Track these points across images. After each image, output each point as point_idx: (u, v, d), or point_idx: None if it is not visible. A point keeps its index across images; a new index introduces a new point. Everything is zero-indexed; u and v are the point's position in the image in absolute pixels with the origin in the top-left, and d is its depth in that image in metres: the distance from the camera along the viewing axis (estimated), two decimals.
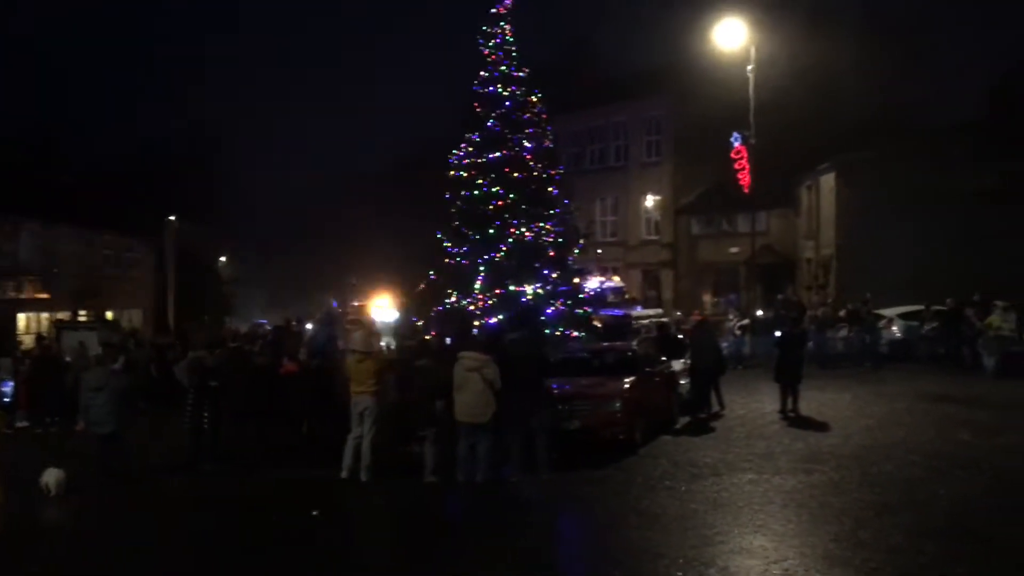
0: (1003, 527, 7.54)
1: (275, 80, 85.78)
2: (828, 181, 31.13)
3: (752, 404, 15.49)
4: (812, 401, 15.66)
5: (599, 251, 33.56)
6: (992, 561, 6.67)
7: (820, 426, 13.23)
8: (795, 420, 13.81)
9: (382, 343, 12.72)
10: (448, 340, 13.94)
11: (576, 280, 19.12)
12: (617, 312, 21.53)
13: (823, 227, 31.95)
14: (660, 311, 27.55)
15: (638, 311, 23.68)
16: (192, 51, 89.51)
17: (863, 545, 7.19)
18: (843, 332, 22.68)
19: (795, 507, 8.51)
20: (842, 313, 23.48)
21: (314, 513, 9.23)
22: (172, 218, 37.83)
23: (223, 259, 49.73)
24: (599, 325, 18.89)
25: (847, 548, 7.12)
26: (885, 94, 34.50)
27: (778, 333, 16.67)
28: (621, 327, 19.98)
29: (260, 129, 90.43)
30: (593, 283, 22.47)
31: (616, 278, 25.74)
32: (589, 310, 19.10)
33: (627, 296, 26.29)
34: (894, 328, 22.68)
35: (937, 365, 20.60)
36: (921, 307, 22.68)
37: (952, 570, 6.48)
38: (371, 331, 11.78)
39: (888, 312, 23.18)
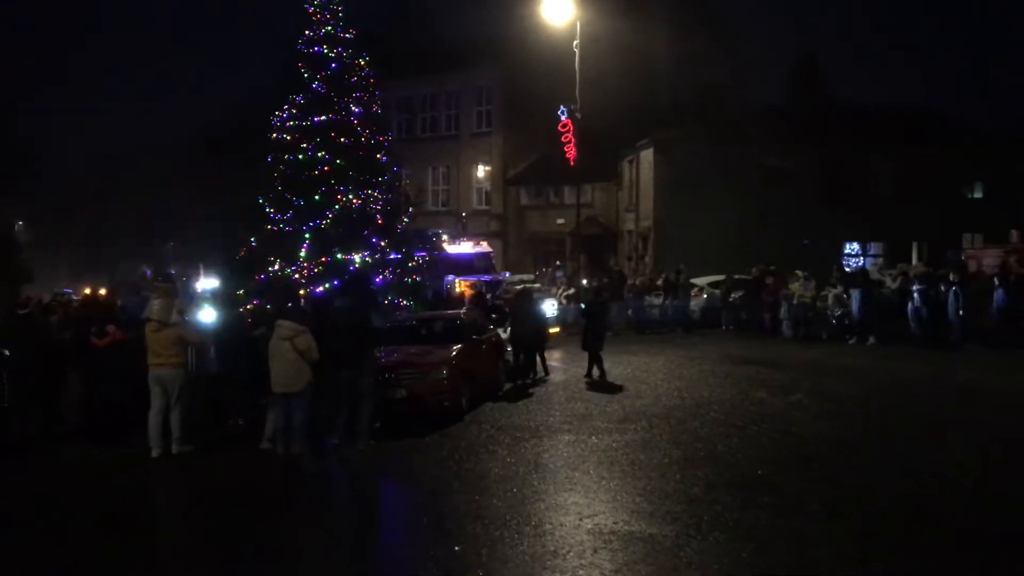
0: (790, 477, 8.28)
1: (83, 38, 78.85)
2: (647, 156, 32.60)
3: (573, 369, 16.11)
4: (628, 365, 16.48)
5: (464, 215, 33.57)
6: (780, 507, 7.30)
7: (635, 388, 13.96)
8: (612, 383, 14.48)
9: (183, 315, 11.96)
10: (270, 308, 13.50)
11: (405, 249, 18.99)
12: (486, 278, 21.80)
13: (642, 200, 33.48)
14: (531, 277, 27.89)
15: (507, 277, 23.98)
16: None
17: (666, 497, 7.69)
18: (659, 300, 23.95)
19: (608, 464, 8.96)
20: (659, 282, 24.76)
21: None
22: None
23: (20, 223, 45.47)
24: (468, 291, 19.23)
25: (651, 500, 7.59)
26: (701, 75, 36.42)
27: (583, 304, 17.58)
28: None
29: (68, 91, 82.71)
30: (465, 248, 22.62)
31: (484, 243, 25.65)
32: (418, 278, 19.05)
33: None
34: (704, 296, 24.20)
35: (742, 330, 22.23)
36: (730, 276, 24.31)
37: (743, 516, 7.05)
38: (172, 302, 11.09)
39: (699, 281, 24.69)
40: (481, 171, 38.87)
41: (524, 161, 37.98)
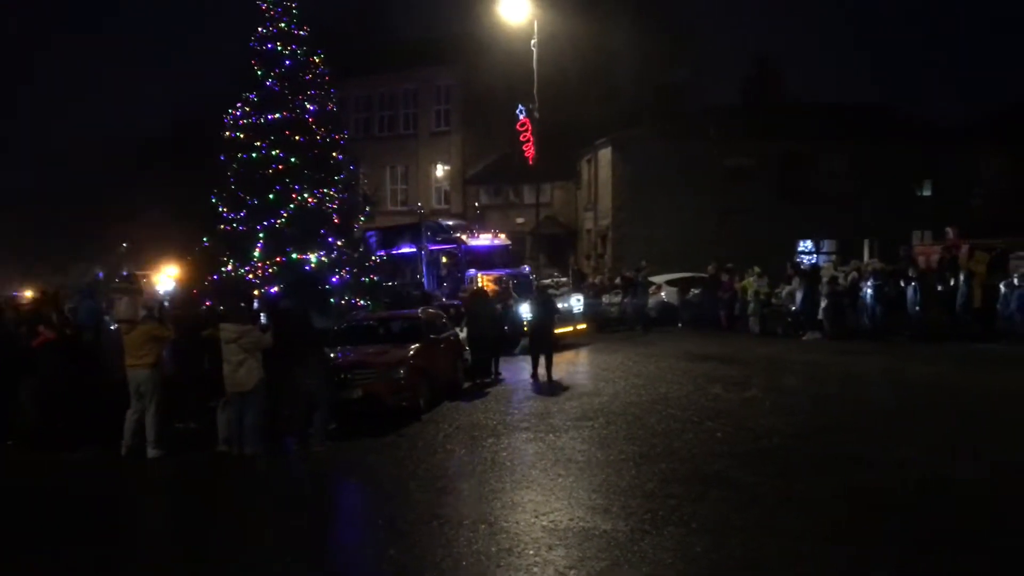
0: (745, 471, 8.33)
1: (32, 36, 76.76)
2: (606, 155, 32.73)
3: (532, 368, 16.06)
4: (587, 363, 16.54)
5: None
6: (734, 501, 7.35)
7: (593, 386, 14.01)
8: (570, 381, 14.50)
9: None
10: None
11: (362, 249, 18.86)
12: (507, 272, 20.60)
13: (601, 199, 33.60)
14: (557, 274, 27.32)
15: (527, 271, 22.60)
16: None
17: (622, 492, 7.71)
18: (617, 298, 24.06)
19: (565, 462, 8.95)
20: (617, 280, 24.87)
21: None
22: None
23: None
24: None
25: (607, 496, 7.60)
26: (657, 75, 36.70)
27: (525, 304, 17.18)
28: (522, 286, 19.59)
29: (15, 89, 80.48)
30: (483, 240, 21.92)
31: (503, 236, 24.15)
32: (376, 278, 18.92)
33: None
34: (663, 294, 24.37)
35: (700, 327, 22.42)
36: (688, 274, 24.55)
37: (698, 510, 7.09)
38: (137, 299, 10.92)
39: (657, 279, 24.86)
40: (440, 170, 38.73)
41: (483, 160, 37.91)
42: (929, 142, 32.82)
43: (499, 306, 16.67)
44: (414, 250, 21.05)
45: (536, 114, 27.77)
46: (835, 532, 6.52)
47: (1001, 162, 33.77)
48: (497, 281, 19.34)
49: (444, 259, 20.71)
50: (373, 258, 19.61)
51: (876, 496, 7.38)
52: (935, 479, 7.76)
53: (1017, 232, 21.90)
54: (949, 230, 19.46)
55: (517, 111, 29.22)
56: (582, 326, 20.52)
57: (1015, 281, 16.32)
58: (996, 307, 16.90)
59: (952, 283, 17.46)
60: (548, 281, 21.25)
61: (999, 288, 16.78)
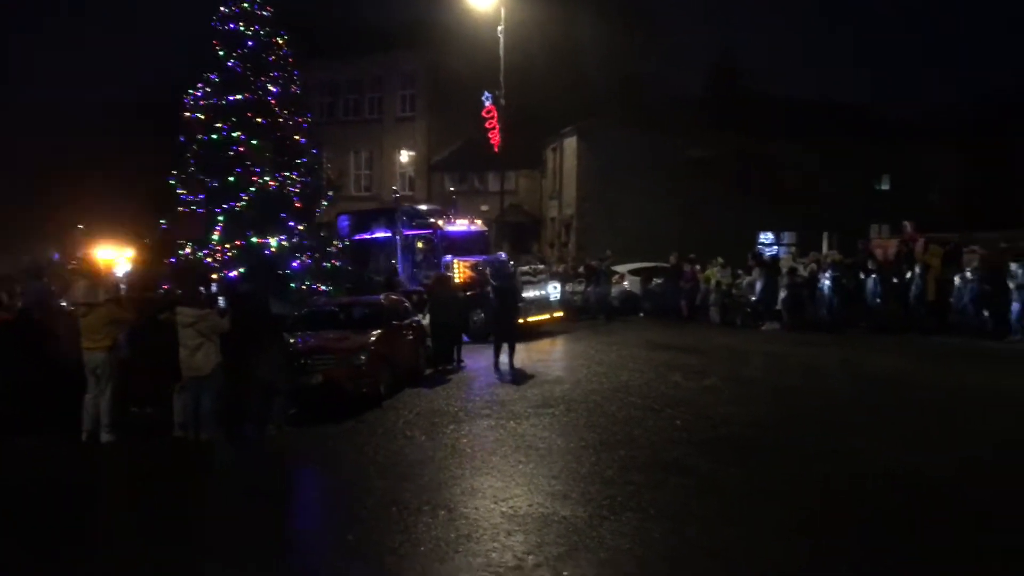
0: (703, 458, 8.42)
1: None
2: (571, 144, 32.75)
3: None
4: (550, 351, 16.58)
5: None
6: (692, 488, 7.42)
7: (555, 374, 14.03)
8: (533, 368, 14.51)
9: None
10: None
11: (323, 233, 18.69)
12: (483, 258, 19.90)
13: (566, 188, 33.65)
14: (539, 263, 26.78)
15: (503, 257, 21.65)
16: None
17: (581, 479, 7.74)
18: (580, 287, 24.11)
19: (525, 449, 8.96)
20: (580, 269, 24.93)
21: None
22: None
23: None
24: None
25: (567, 483, 7.62)
26: (625, 66, 36.79)
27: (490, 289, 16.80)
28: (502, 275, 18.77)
29: None
30: (459, 226, 21.31)
31: (479, 221, 23.47)
32: (338, 263, 18.75)
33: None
34: (625, 283, 24.49)
35: (661, 317, 22.59)
36: (650, 264, 24.70)
37: (656, 496, 7.14)
38: (95, 281, 10.71)
39: (620, 269, 24.97)
40: (405, 156, 38.44)
41: (448, 147, 37.72)
42: (888, 138, 33.40)
43: (470, 293, 16.42)
44: (389, 235, 20.59)
45: (502, 101, 27.64)
46: (792, 521, 6.60)
47: (958, 159, 34.48)
48: (474, 267, 19.05)
49: (420, 244, 20.27)
50: (342, 242, 19.44)
51: (833, 486, 7.49)
52: (890, 470, 7.90)
53: (972, 227, 22.39)
54: (906, 224, 19.80)
55: (483, 98, 29.04)
56: (559, 313, 20.44)
57: (968, 275, 16.66)
58: (950, 300, 17.26)
59: (908, 276, 17.78)
60: (526, 268, 20.97)
61: (953, 281, 17.13)
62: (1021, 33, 65.90)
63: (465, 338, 16.81)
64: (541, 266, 22.10)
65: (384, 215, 21.69)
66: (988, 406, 10.72)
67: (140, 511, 7.88)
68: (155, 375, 10.74)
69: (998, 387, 11.84)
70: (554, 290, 20.79)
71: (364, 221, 21.78)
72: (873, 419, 10.17)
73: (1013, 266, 15.33)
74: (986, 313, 16.32)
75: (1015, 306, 15.44)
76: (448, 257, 19.65)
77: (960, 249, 17.64)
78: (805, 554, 5.95)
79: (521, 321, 18.52)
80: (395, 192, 33.14)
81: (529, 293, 19.40)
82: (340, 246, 19.11)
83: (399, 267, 19.91)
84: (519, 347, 14.97)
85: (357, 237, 21.15)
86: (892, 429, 9.57)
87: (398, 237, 20.34)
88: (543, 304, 19.90)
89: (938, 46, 76.06)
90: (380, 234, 20.85)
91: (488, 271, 18.53)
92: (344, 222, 21.73)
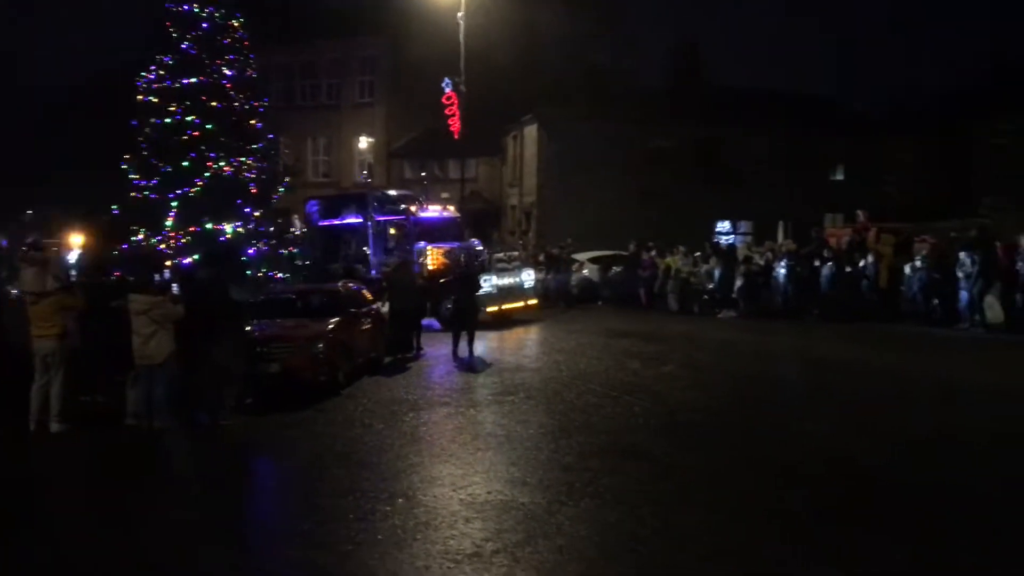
0: (660, 444, 8.51)
1: None
2: (532, 132, 32.75)
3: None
4: (509, 339, 16.60)
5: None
6: (650, 474, 7.50)
7: (515, 361, 14.06)
8: (493, 356, 14.52)
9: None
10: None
11: (280, 220, 18.46)
12: (456, 245, 19.60)
13: (526, 176, 33.66)
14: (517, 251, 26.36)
15: (476, 244, 21.21)
16: None
17: (539, 466, 7.78)
18: (541, 275, 24.13)
19: (484, 436, 8.98)
20: (540, 257, 24.98)
21: None
22: None
23: None
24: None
25: (525, 470, 7.65)
26: (585, 54, 36.82)
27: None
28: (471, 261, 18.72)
29: None
30: (432, 212, 20.94)
31: (452, 207, 22.80)
32: (295, 250, 18.55)
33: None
34: (585, 271, 24.60)
35: (620, 304, 22.75)
36: (610, 252, 24.84)
37: (613, 482, 7.20)
38: (46, 269, 10.42)
39: (580, 257, 25.08)
40: (363, 143, 38.03)
41: (408, 133, 37.44)
42: (844, 129, 33.93)
43: (444, 280, 16.17)
44: (360, 220, 19.86)
45: (462, 88, 27.46)
46: (744, 504, 6.71)
47: (915, 151, 35.15)
48: (448, 254, 18.73)
49: (392, 231, 19.69)
50: (312, 228, 19.08)
51: (784, 469, 7.62)
52: (840, 454, 8.06)
53: (922, 217, 22.89)
54: (860, 213, 20.17)
55: (443, 84, 28.80)
56: (533, 301, 20.23)
57: (918, 263, 17.04)
58: (901, 288, 17.64)
59: (861, 264, 18.12)
60: (502, 255, 20.79)
61: (904, 270, 17.50)
62: (978, 27, 67.23)
63: (436, 325, 16.74)
64: (516, 253, 21.95)
65: (355, 200, 21.00)
66: (935, 393, 11.00)
67: (91, 502, 7.72)
68: (107, 363, 10.55)
69: (948, 374, 12.15)
70: (528, 277, 20.58)
71: (334, 206, 21.07)
72: (823, 404, 10.38)
73: (962, 255, 15.70)
74: (935, 301, 16.71)
75: (963, 295, 15.82)
76: (421, 243, 19.23)
77: (912, 238, 18.03)
78: (753, 534, 6.05)
79: (496, 309, 18.51)
80: (365, 176, 32.63)
81: (504, 280, 19.25)
82: (298, 232, 18.84)
83: (371, 253, 19.31)
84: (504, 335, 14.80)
85: (326, 223, 20.58)
86: (840, 414, 9.78)
87: (370, 223, 19.68)
88: (518, 292, 19.70)
89: (897, 40, 77.32)
90: (351, 220, 20.17)
91: (463, 258, 18.45)
92: (313, 207, 21.18)
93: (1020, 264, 15.05)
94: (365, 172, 32.43)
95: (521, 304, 19.75)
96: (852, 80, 74.78)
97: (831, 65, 77.84)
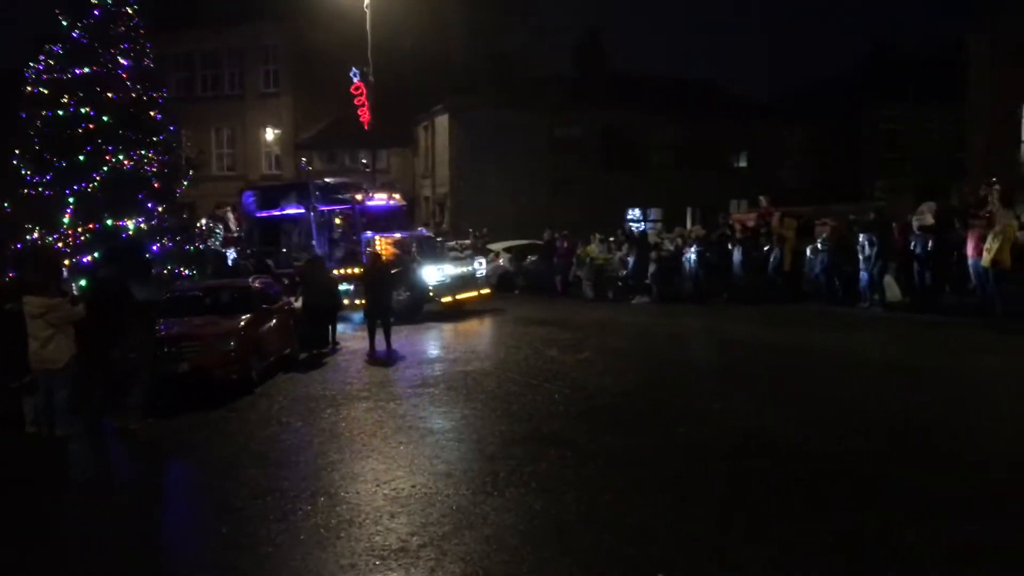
0: (580, 430, 8.60)
1: None
2: (443, 123, 32.59)
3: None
4: (426, 331, 16.49)
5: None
6: (568, 460, 7.56)
7: (433, 353, 14.01)
8: (409, 349, 14.40)
9: None
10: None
11: (186, 215, 17.83)
12: (404, 234, 19.08)
13: (439, 167, 33.49)
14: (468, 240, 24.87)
15: (425, 233, 21.01)
16: None
17: (463, 457, 7.77)
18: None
19: (406, 429, 8.89)
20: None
21: None
22: None
23: None
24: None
25: (448, 461, 7.62)
26: (491, 43, 36.79)
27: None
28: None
29: None
30: (379, 200, 20.09)
31: (398, 195, 21.86)
32: (201, 246, 17.95)
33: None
34: (500, 261, 24.67)
35: (536, 293, 22.90)
36: (524, 242, 24.98)
37: (536, 469, 7.24)
38: None
39: (495, 247, 25.13)
40: (270, 134, 37.15)
41: (316, 124, 36.70)
42: (744, 116, 34.97)
43: (395, 271, 15.90)
44: (302, 211, 19.12)
45: (371, 78, 27.07)
46: (664, 483, 6.85)
47: (806, 137, 36.56)
48: (399, 244, 18.20)
49: (337, 220, 18.94)
50: (248, 220, 18.40)
51: (700, 449, 7.81)
52: (756, 430, 8.31)
53: (819, 200, 23.80)
54: (762, 199, 20.82)
55: (351, 74, 28.31)
56: (486, 291, 19.97)
57: (819, 245, 17.71)
58: (803, 271, 18.31)
59: (766, 248, 18.71)
60: (453, 244, 20.49)
61: (806, 253, 18.17)
62: (869, 11, 70.00)
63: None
64: (468, 242, 21.67)
65: (295, 189, 20.12)
66: (840, 368, 11.47)
67: None
68: (2, 368, 10.00)
69: (851, 351, 12.67)
70: (479, 267, 20.30)
71: (272, 197, 20.25)
72: (736, 383, 10.69)
73: (861, 237, 16.38)
74: (836, 282, 17.41)
75: (863, 275, 16.52)
76: (369, 233, 18.53)
77: (813, 222, 18.72)
78: (673, 513, 6.20)
79: (450, 299, 18.30)
80: (304, 164, 31.56)
81: (458, 270, 19.02)
82: (234, 227, 18.09)
83: (315, 245, 18.61)
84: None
85: (264, 214, 19.84)
86: (752, 391, 10.10)
87: (312, 213, 18.96)
88: (469, 281, 19.35)
89: (786, 29, 79.95)
90: (291, 210, 19.41)
91: (415, 247, 18.14)
92: (249, 198, 20.35)
93: (914, 244, 15.79)
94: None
95: (475, 294, 19.44)
96: (744, 67, 77.04)
97: (723, 52, 79.91)
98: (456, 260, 19.50)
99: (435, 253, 19.30)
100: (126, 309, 9.82)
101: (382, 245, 17.90)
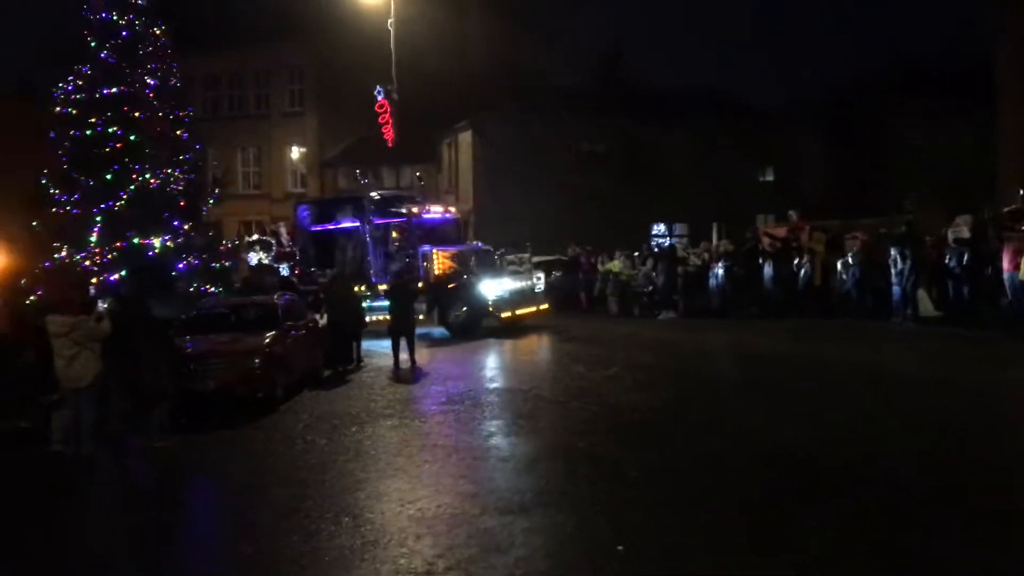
0: (608, 447, 8.42)
1: None
2: (466, 139, 32.61)
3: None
4: (452, 346, 16.38)
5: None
6: (597, 478, 7.37)
7: (458, 370, 13.86)
8: (433, 365, 14.29)
9: None
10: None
11: (211, 232, 17.93)
12: (463, 247, 18.97)
13: (462, 183, 33.49)
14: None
15: (480, 247, 20.44)
16: None
17: (489, 476, 7.61)
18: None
19: (431, 448, 8.75)
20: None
21: None
22: None
23: None
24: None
25: (475, 481, 7.45)
26: (515, 58, 36.87)
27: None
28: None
29: None
30: (435, 214, 19.90)
31: (453, 209, 21.71)
32: (228, 264, 18.01)
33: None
34: None
35: (562, 308, 22.71)
36: (550, 257, 24.81)
37: (566, 488, 7.07)
38: None
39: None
40: (295, 152, 37.41)
41: (341, 142, 36.91)
42: (768, 129, 34.64)
43: (452, 285, 15.73)
44: (357, 224, 19.00)
45: (395, 96, 27.17)
46: (695, 500, 6.66)
47: (826, 146, 36.06)
48: (455, 257, 18.05)
49: (394, 234, 18.61)
50: (304, 234, 18.38)
51: (731, 465, 7.60)
52: (784, 445, 8.08)
53: (845, 213, 23.45)
54: (792, 213, 20.55)
55: (375, 92, 28.45)
56: (544, 306, 19.53)
57: (849, 260, 17.41)
58: (833, 285, 17.99)
59: (797, 262, 18.44)
60: (512, 258, 20.28)
61: (836, 267, 17.87)
62: (891, 19, 69.35)
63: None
64: (527, 255, 21.14)
65: (351, 203, 20.11)
66: (872, 384, 11.18)
67: (17, 531, 7.25)
68: (27, 386, 10.02)
69: (883, 366, 12.38)
70: (538, 281, 19.90)
71: (328, 210, 20.23)
72: (763, 398, 10.45)
73: (892, 251, 16.08)
74: (868, 296, 17.08)
75: (896, 290, 16.19)
76: (426, 247, 18.31)
77: (842, 236, 18.42)
78: (704, 529, 6.04)
79: (509, 315, 17.93)
80: (361, 176, 31.55)
81: (517, 284, 18.65)
82: (286, 243, 18.13)
83: (371, 259, 18.50)
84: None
85: (319, 227, 19.80)
86: (779, 406, 9.86)
87: (367, 226, 18.80)
88: (528, 296, 18.96)
89: (802, 39, 79.36)
90: (347, 224, 19.28)
91: (473, 261, 18.02)
92: (304, 212, 20.39)
93: (948, 258, 15.46)
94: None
95: (533, 309, 18.93)
96: (764, 79, 76.67)
97: (743, 64, 79.47)
98: (515, 274, 19.16)
99: (493, 267, 18.96)
100: (143, 327, 9.80)
101: (439, 259, 17.77)
